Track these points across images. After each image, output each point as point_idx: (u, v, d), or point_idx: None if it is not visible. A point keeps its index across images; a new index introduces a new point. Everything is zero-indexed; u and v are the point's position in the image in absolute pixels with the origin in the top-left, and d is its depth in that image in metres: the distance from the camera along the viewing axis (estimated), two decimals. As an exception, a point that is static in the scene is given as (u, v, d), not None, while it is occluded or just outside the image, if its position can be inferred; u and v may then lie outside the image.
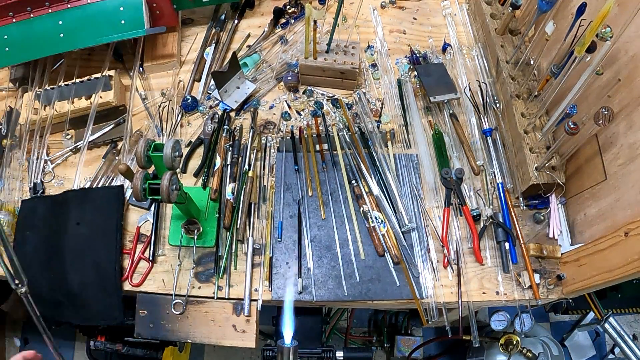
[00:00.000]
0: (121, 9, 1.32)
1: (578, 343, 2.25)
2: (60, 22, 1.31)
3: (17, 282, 0.79)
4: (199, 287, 1.21)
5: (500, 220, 1.25)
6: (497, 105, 1.37)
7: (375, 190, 1.28)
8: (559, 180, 1.20)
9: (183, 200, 1.11)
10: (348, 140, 1.35)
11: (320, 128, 1.38)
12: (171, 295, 1.19)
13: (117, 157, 1.36)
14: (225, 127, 1.35)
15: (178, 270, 1.21)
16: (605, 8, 0.93)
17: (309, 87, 1.45)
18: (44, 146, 1.35)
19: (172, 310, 1.19)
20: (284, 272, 1.22)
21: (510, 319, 1.58)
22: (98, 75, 1.36)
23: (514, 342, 1.73)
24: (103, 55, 1.44)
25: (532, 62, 1.30)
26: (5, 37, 1.32)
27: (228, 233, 1.24)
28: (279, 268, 1.22)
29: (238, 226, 1.24)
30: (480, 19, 1.47)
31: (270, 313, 1.44)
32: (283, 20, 1.55)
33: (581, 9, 1.04)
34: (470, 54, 1.49)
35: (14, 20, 1.32)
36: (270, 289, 1.20)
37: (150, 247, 1.24)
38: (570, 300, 1.26)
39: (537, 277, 1.21)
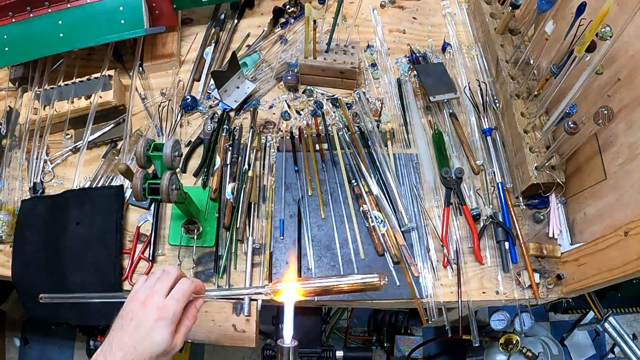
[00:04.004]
0: (121, 8, 1.32)
1: (578, 342, 2.25)
2: (60, 22, 1.31)
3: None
4: (199, 287, 1.21)
5: (500, 219, 1.25)
6: (497, 104, 1.37)
7: (375, 189, 1.28)
8: (558, 180, 1.20)
9: (183, 200, 1.11)
10: (348, 139, 1.35)
11: (320, 128, 1.38)
12: (171, 295, 1.19)
13: (116, 157, 1.36)
14: (224, 126, 1.35)
15: (178, 270, 1.21)
16: (605, 7, 0.93)
17: (308, 87, 1.44)
18: (43, 146, 1.35)
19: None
20: (283, 271, 1.22)
21: (510, 318, 1.58)
22: (98, 75, 1.35)
23: (514, 342, 1.74)
24: (103, 55, 1.44)
25: (531, 61, 1.30)
26: (5, 37, 1.32)
27: (228, 233, 1.24)
28: (278, 267, 1.22)
29: (238, 226, 1.24)
30: (480, 18, 1.47)
31: (270, 312, 1.44)
32: (283, 20, 1.55)
33: (581, 9, 1.04)
34: (469, 53, 1.49)
35: (13, 20, 1.32)
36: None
37: (150, 247, 1.24)
38: (570, 300, 1.26)
39: (536, 276, 1.21)
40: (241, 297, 1.19)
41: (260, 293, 0.85)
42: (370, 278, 0.81)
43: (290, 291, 0.83)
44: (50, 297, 0.90)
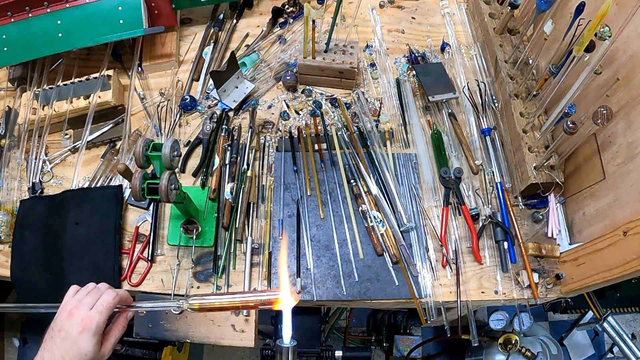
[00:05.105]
0: (120, 8, 1.32)
1: (577, 342, 2.25)
2: (59, 22, 1.31)
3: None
4: (198, 287, 1.21)
5: (499, 219, 1.25)
6: (496, 104, 1.37)
7: (374, 189, 1.28)
8: (557, 180, 1.20)
9: (182, 199, 1.10)
10: (347, 139, 1.35)
11: (319, 128, 1.38)
12: (170, 295, 1.19)
13: (115, 157, 1.36)
14: (223, 126, 1.35)
15: (177, 270, 1.21)
16: (604, 7, 0.93)
17: (307, 87, 1.44)
18: (42, 146, 1.35)
19: (171, 310, 1.18)
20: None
21: (509, 318, 1.58)
22: (96, 75, 1.35)
23: (513, 342, 1.74)
24: (101, 54, 1.44)
25: (530, 61, 1.30)
26: (4, 36, 1.32)
27: (227, 233, 1.24)
28: (277, 268, 1.22)
29: (237, 226, 1.24)
30: (479, 18, 1.47)
31: (269, 313, 1.44)
32: (281, 20, 1.55)
33: (580, 8, 1.04)
34: (468, 53, 1.49)
35: (12, 20, 1.32)
36: (269, 289, 1.20)
37: (149, 247, 1.24)
38: (569, 300, 1.26)
39: (535, 276, 1.21)
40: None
41: (177, 307, 0.90)
42: (272, 295, 0.86)
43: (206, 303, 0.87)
44: None
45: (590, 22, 0.97)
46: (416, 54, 1.48)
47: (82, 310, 0.84)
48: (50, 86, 1.37)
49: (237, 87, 1.41)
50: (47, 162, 1.35)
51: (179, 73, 1.47)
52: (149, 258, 1.23)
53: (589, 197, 1.17)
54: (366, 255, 1.23)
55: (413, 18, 1.57)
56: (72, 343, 0.82)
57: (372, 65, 1.48)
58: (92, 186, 1.31)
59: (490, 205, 1.28)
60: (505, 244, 1.24)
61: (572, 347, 2.24)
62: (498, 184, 1.29)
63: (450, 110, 1.37)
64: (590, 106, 1.10)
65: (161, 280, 1.22)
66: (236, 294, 0.90)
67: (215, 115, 1.38)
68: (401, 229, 1.24)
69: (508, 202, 1.27)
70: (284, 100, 1.43)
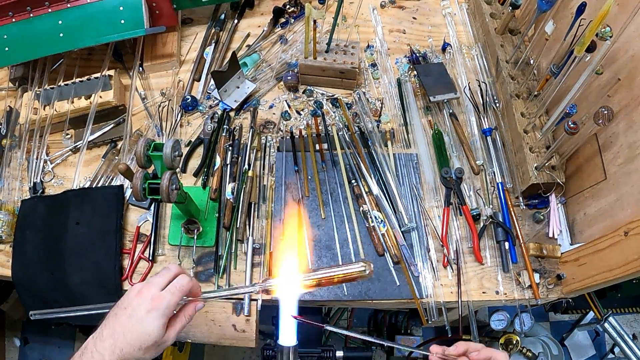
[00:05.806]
0: (121, 8, 1.32)
1: (578, 342, 2.25)
2: (60, 22, 1.31)
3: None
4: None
5: (500, 219, 1.25)
6: (497, 104, 1.37)
7: (375, 189, 1.28)
8: (558, 180, 1.20)
9: (183, 199, 1.10)
10: (348, 139, 1.35)
11: (320, 128, 1.38)
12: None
13: (116, 157, 1.36)
14: (225, 126, 1.35)
15: (178, 270, 1.21)
16: (605, 7, 0.93)
17: (308, 87, 1.44)
18: (43, 146, 1.35)
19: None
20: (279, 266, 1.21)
21: (510, 318, 1.58)
22: (98, 75, 1.35)
23: (514, 342, 1.74)
24: (103, 54, 1.44)
25: (531, 61, 1.30)
26: (5, 36, 1.32)
27: (228, 233, 1.24)
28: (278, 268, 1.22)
29: (238, 226, 1.24)
30: (480, 18, 1.47)
31: (270, 313, 1.44)
32: (283, 20, 1.55)
33: (581, 9, 1.04)
34: (470, 53, 1.49)
35: (13, 20, 1.32)
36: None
37: (150, 247, 1.24)
38: (570, 300, 1.26)
39: (536, 276, 1.21)
40: (240, 296, 1.19)
41: (251, 292, 0.84)
42: (357, 268, 0.82)
43: (285, 289, 0.82)
44: (42, 313, 0.88)
45: (591, 22, 0.97)
46: (417, 54, 1.48)
47: (153, 289, 0.79)
48: (52, 86, 1.37)
49: (238, 87, 1.41)
50: (48, 162, 1.35)
51: (180, 73, 1.47)
52: (150, 258, 1.23)
53: (590, 197, 1.17)
54: (367, 256, 1.23)
55: (414, 18, 1.57)
56: (137, 321, 0.76)
57: (373, 65, 1.48)
58: (93, 186, 1.31)
59: (491, 206, 1.28)
60: (506, 244, 1.24)
61: (573, 348, 2.24)
62: (499, 184, 1.29)
63: (451, 111, 1.37)
64: (591, 106, 1.10)
65: (162, 280, 1.22)
66: (317, 272, 0.83)
67: (217, 116, 1.39)
68: (402, 229, 1.24)
69: (509, 203, 1.27)
70: (285, 101, 1.43)
